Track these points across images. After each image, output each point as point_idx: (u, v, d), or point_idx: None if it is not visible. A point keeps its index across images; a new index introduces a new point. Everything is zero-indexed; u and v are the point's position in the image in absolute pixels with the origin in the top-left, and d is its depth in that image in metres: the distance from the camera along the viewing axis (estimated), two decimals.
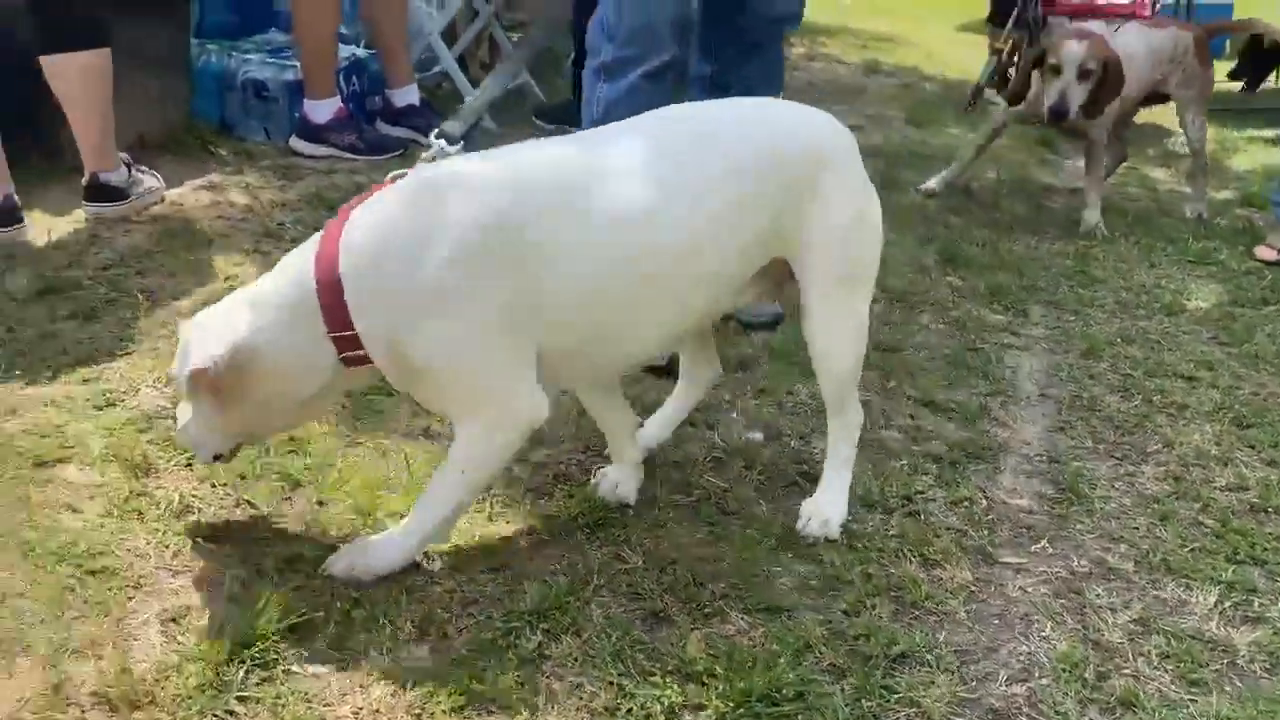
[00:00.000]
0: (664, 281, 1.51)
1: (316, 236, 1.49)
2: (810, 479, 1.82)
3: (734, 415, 2.03)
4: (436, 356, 1.43)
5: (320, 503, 1.65)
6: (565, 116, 3.91)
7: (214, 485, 1.67)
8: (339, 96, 3.45)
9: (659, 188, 1.49)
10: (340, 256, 1.43)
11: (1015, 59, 5.20)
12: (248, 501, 1.65)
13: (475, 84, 4.12)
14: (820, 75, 5.77)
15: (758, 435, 1.96)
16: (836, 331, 1.66)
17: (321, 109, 3.42)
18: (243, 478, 1.69)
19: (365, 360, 1.46)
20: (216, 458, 1.58)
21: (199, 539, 1.55)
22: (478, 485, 1.55)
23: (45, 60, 2.49)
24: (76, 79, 2.51)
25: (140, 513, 1.59)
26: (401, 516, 1.56)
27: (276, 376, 1.47)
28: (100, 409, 1.85)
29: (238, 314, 1.47)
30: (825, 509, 1.69)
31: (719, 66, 2.41)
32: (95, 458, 1.70)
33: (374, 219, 1.45)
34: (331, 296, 1.42)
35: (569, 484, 1.77)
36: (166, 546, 1.52)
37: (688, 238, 1.50)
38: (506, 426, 1.49)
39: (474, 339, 1.43)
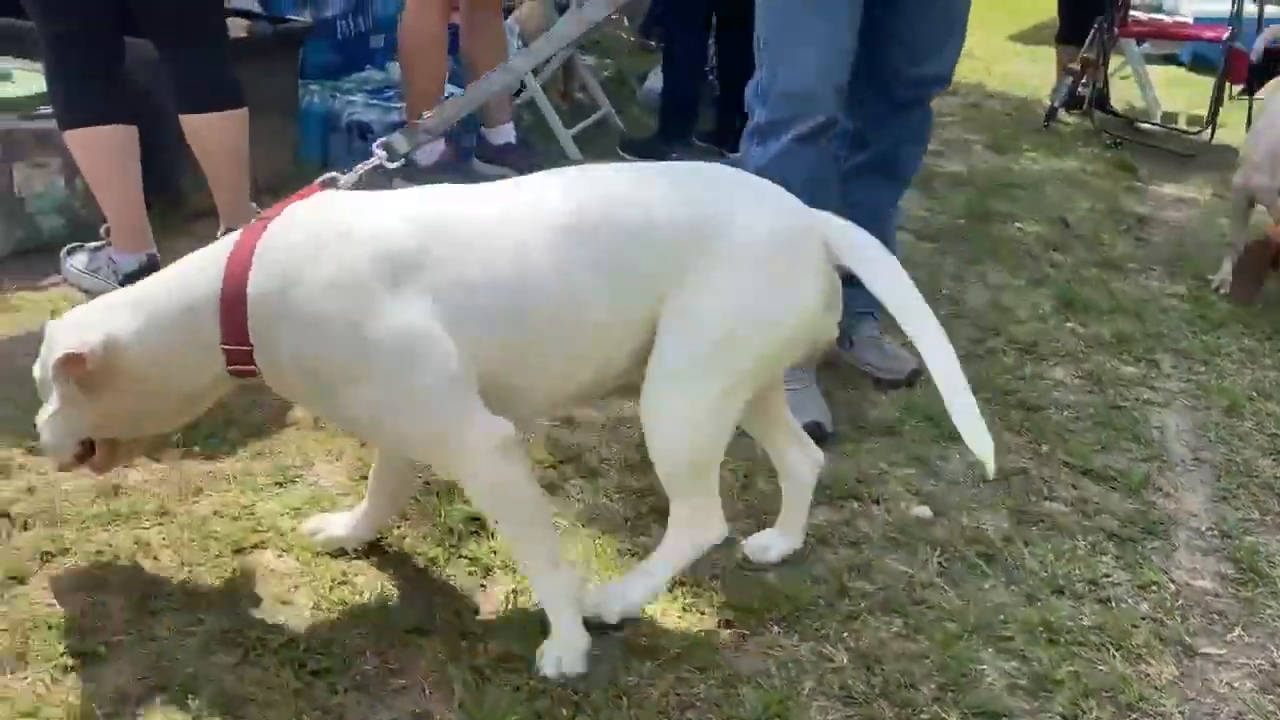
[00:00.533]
0: (543, 338, 1.47)
1: (229, 241, 1.47)
2: (988, 559, 1.82)
3: (894, 488, 2.03)
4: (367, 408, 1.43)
5: (515, 591, 1.66)
6: (652, 150, 3.93)
7: (411, 571, 1.69)
8: (443, 138, 3.47)
9: (541, 253, 1.44)
10: (251, 273, 1.42)
11: (1086, 79, 5.18)
12: (448, 587, 1.66)
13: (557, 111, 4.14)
14: None
15: (926, 512, 1.95)
16: (670, 424, 1.52)
17: (427, 150, 3.43)
18: (434, 562, 1.71)
19: (252, 374, 1.46)
20: (78, 458, 1.56)
21: (407, 631, 1.56)
22: (524, 515, 1.49)
23: (184, 118, 2.51)
24: (216, 137, 2.54)
25: (345, 603, 1.60)
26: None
27: (153, 375, 1.47)
28: (281, 485, 1.87)
29: (117, 310, 1.48)
30: (623, 591, 1.61)
31: (863, 124, 2.38)
32: (290, 543, 1.72)
33: (282, 245, 1.43)
34: (234, 309, 1.42)
35: (753, 569, 1.77)
36: (379, 641, 1.53)
37: (554, 305, 1.45)
38: (478, 459, 1.45)
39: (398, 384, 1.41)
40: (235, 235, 1.49)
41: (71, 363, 1.42)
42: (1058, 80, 5.32)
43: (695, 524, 1.60)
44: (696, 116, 4.10)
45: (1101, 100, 5.20)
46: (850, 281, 1.59)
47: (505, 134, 3.65)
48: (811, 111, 2.15)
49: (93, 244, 2.55)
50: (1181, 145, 5.04)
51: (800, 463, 1.77)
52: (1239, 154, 3.45)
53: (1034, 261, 3.34)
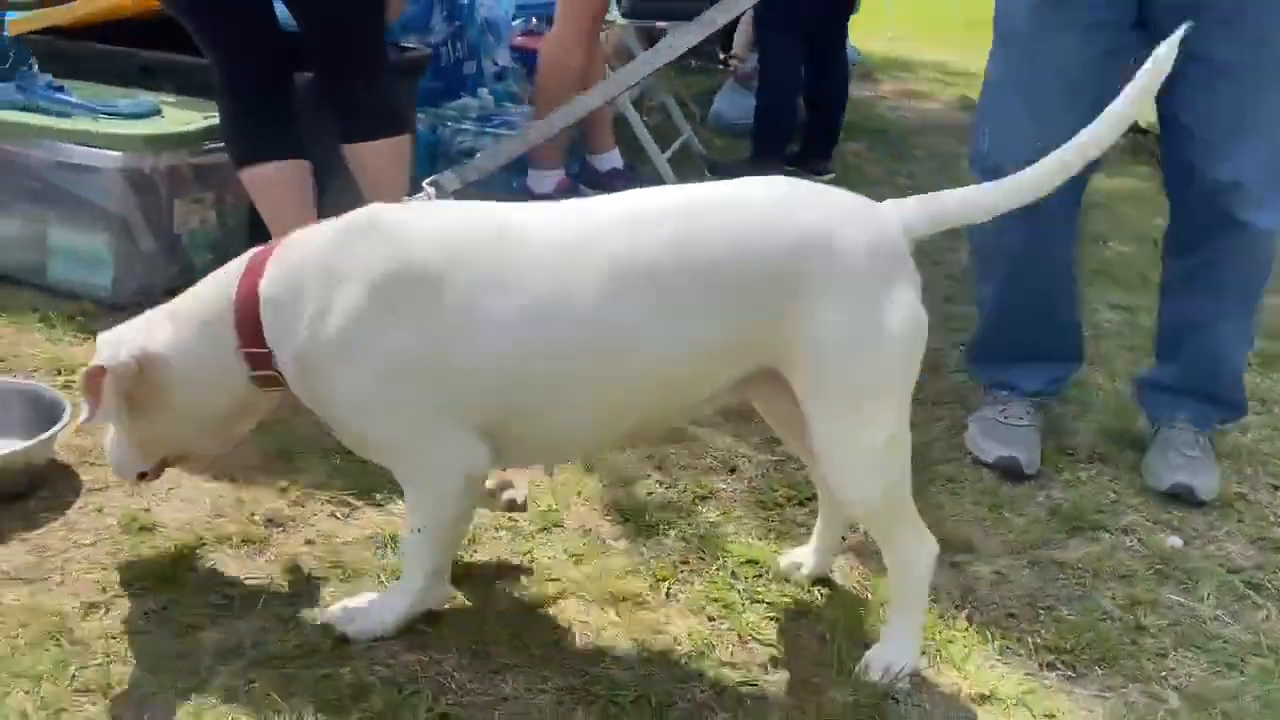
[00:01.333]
0: (589, 377, 1.40)
1: (246, 256, 1.50)
2: (1256, 588, 1.84)
3: (1135, 517, 2.04)
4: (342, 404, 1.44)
5: (828, 635, 1.63)
6: (744, 173, 3.93)
7: (707, 616, 1.66)
8: (563, 169, 3.45)
9: (595, 278, 1.35)
10: (264, 276, 1.44)
11: None
12: (742, 633, 1.64)
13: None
14: (926, 116, 5.77)
15: (1178, 541, 1.96)
16: (854, 460, 1.43)
17: (546, 180, 3.41)
18: (729, 608, 1.69)
19: (277, 381, 1.48)
20: (141, 477, 1.61)
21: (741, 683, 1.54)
22: (441, 541, 1.52)
23: (351, 148, 2.46)
24: (384, 165, 2.50)
25: (669, 652, 1.57)
26: None
27: (186, 388, 1.49)
28: (547, 530, 1.84)
29: (154, 325, 1.50)
30: (891, 656, 1.53)
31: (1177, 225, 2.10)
32: (588, 592, 1.68)
33: (299, 252, 1.45)
34: (247, 312, 1.44)
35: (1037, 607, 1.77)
36: (722, 696, 1.51)
37: (615, 340, 1.37)
38: (439, 482, 1.46)
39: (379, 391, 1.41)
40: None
41: (96, 375, 1.44)
42: None
43: (912, 556, 1.51)
44: (790, 138, 4.12)
45: None
46: None
47: (611, 159, 3.65)
48: None
49: None
50: None
51: None
52: None
53: (1144, 282, 3.39)
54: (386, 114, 2.48)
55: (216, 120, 2.41)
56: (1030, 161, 1.46)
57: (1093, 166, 1.54)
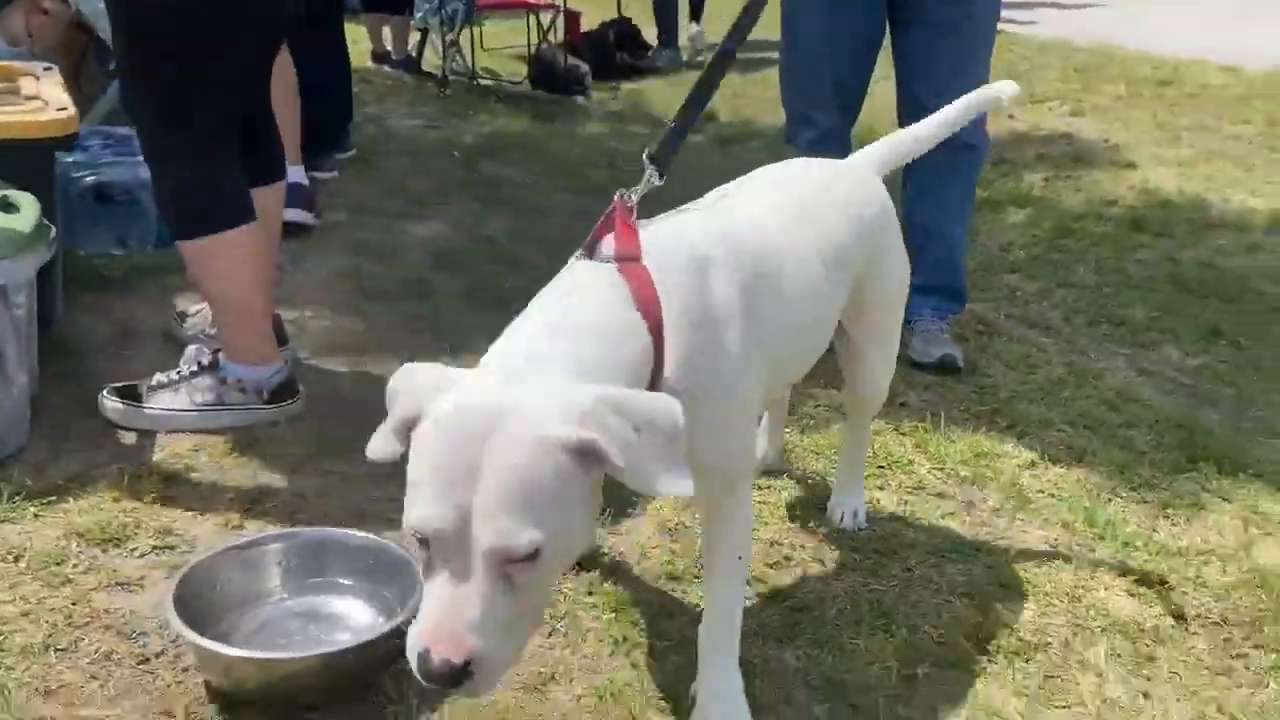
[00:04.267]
0: (813, 334, 1.56)
1: (604, 277, 1.22)
2: None
3: None
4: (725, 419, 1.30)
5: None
6: None
7: None
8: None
9: (810, 259, 1.50)
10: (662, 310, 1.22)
11: None
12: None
13: None
14: None
15: None
16: (884, 369, 1.87)
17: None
18: None
19: None
20: None
21: None
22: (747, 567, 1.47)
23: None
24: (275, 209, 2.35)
25: None
26: None
27: None
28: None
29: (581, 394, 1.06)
30: (853, 501, 1.97)
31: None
32: None
33: (678, 289, 1.24)
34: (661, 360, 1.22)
35: None
36: None
37: (829, 307, 1.58)
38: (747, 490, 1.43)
39: (749, 404, 1.35)
40: (609, 277, 1.22)
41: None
42: None
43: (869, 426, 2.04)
44: None
45: None
46: None
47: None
48: (812, 122, 2.66)
49: (168, 376, 2.16)
50: None
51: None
52: None
53: None
54: (280, 158, 2.35)
55: None
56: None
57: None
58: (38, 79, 2.63)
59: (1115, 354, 2.88)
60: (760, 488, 2.07)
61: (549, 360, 1.08)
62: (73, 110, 2.39)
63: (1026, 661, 1.61)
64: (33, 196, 2.11)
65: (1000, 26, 2.76)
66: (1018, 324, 3.04)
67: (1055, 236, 3.77)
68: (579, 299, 1.20)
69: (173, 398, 2.13)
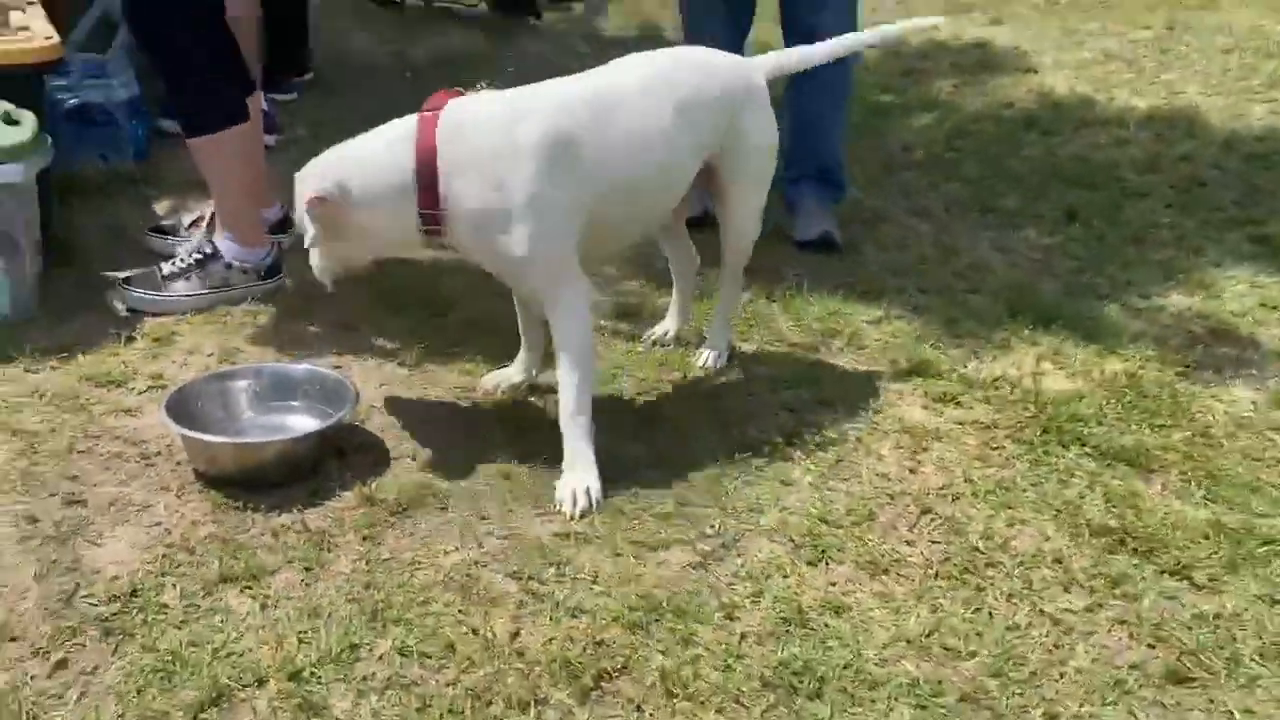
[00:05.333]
0: (653, 182, 2.07)
1: (412, 121, 1.89)
2: None
3: None
4: (522, 249, 1.86)
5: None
6: None
7: None
8: None
9: (648, 118, 2.02)
10: (438, 152, 1.85)
11: None
12: None
13: None
14: None
15: None
16: (751, 220, 2.30)
17: None
18: None
19: (439, 232, 1.89)
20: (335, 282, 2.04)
21: None
22: (586, 361, 1.96)
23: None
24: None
25: None
26: None
27: (366, 227, 1.90)
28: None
29: (348, 163, 1.89)
30: (719, 346, 2.45)
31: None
32: None
33: (471, 132, 1.87)
34: (428, 180, 1.84)
35: None
36: None
37: (666, 155, 2.05)
38: (583, 302, 1.96)
39: (554, 231, 1.88)
40: (411, 120, 1.89)
41: (315, 203, 1.85)
42: None
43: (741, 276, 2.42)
44: None
45: None
46: None
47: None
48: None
49: (176, 265, 2.58)
50: None
51: (687, 256, 2.48)
52: None
53: None
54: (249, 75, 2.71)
55: None
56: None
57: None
58: (24, 11, 3.01)
59: (980, 236, 3.32)
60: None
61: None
62: (57, 38, 2.78)
63: (825, 452, 2.10)
64: (32, 114, 2.53)
65: None
66: (903, 214, 3.46)
67: (952, 137, 4.17)
68: (373, 136, 1.92)
69: (187, 284, 2.57)
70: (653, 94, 2.02)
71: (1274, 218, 3.37)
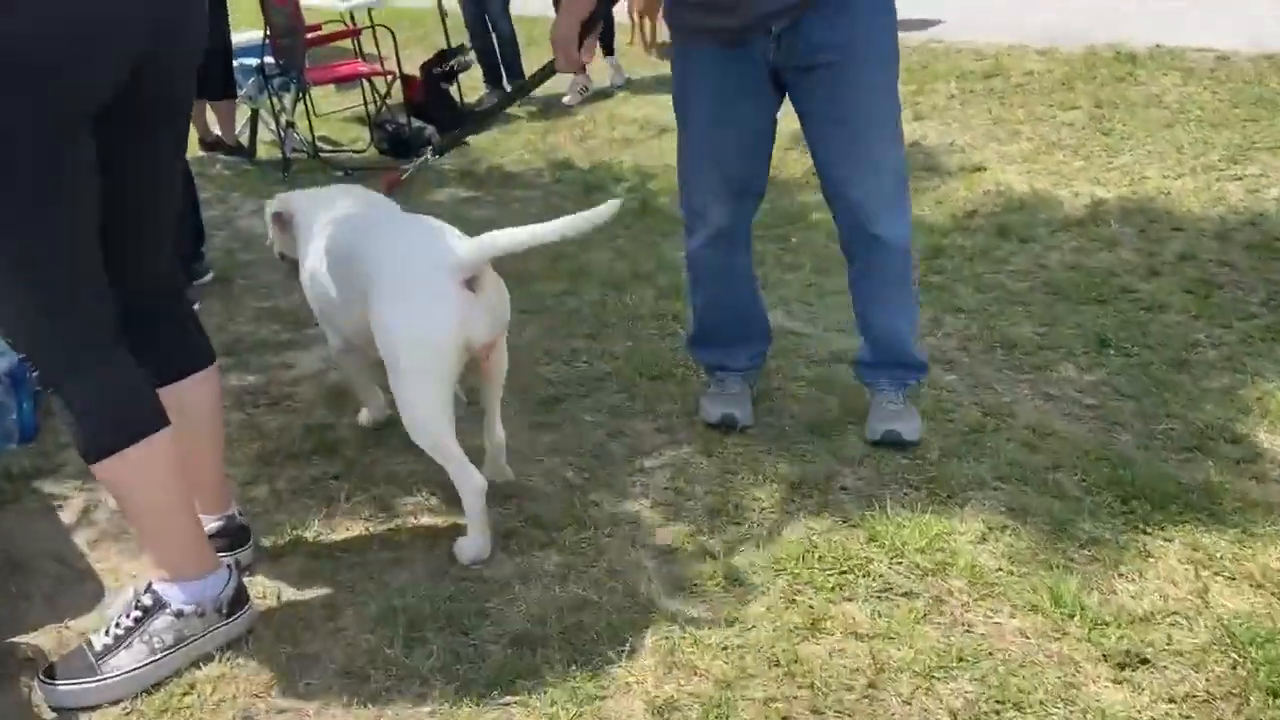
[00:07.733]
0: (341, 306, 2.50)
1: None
2: None
3: None
4: None
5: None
6: None
7: None
8: None
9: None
10: None
11: None
12: None
13: None
14: None
15: None
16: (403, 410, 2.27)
17: None
18: None
19: None
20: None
21: None
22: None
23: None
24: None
25: None
26: None
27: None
28: None
29: (298, 199, 2.71)
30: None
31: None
32: None
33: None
34: None
35: None
36: None
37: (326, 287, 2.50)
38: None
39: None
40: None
41: (276, 219, 2.70)
42: None
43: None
44: None
45: None
46: None
47: None
48: (707, 221, 2.69)
49: (110, 633, 1.95)
50: None
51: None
52: None
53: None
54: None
55: None
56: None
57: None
58: None
59: (1017, 381, 2.99)
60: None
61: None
62: None
63: None
64: None
65: None
66: None
67: (930, 257, 3.89)
68: None
69: (130, 655, 1.92)
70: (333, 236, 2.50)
71: None
